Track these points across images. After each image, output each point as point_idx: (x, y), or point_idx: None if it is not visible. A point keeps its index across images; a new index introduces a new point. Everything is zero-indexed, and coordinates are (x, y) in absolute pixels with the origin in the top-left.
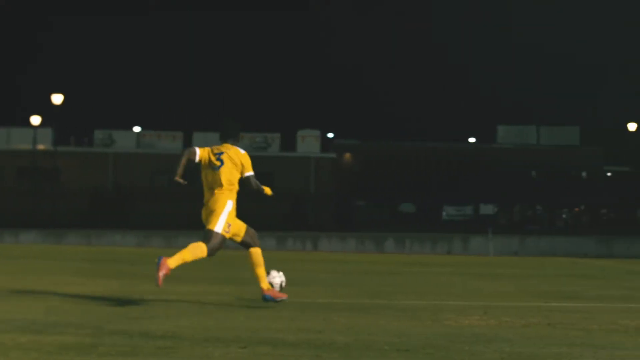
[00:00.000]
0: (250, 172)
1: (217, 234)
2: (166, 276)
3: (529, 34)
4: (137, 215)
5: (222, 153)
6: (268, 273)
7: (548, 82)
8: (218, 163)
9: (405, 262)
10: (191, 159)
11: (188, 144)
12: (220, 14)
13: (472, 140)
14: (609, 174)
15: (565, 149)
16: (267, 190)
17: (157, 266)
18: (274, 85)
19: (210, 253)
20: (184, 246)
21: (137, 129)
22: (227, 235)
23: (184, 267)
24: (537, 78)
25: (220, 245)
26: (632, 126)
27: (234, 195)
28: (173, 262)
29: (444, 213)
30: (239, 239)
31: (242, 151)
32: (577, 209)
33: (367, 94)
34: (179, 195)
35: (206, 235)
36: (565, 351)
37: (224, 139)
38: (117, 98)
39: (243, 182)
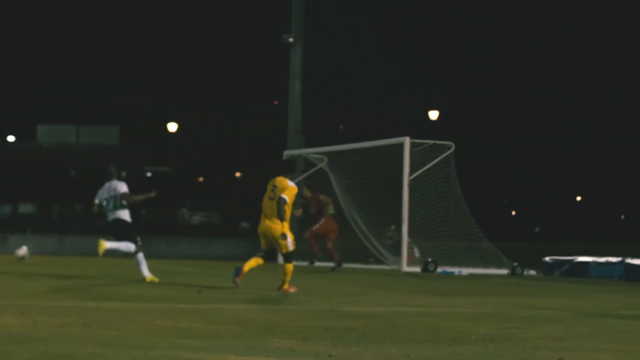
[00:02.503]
0: (283, 195)
1: (292, 251)
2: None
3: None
4: None
5: (275, 187)
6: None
7: (87, 81)
8: (272, 195)
9: None
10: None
11: None
12: None
13: (11, 138)
14: (149, 174)
15: (105, 148)
16: (287, 228)
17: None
18: None
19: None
20: None
21: None
22: (294, 247)
23: None
24: (73, 76)
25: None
26: (172, 126)
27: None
28: (286, 285)
29: None
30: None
31: (291, 183)
32: None
33: None
34: None
35: (286, 256)
36: (100, 351)
37: (282, 173)
38: None
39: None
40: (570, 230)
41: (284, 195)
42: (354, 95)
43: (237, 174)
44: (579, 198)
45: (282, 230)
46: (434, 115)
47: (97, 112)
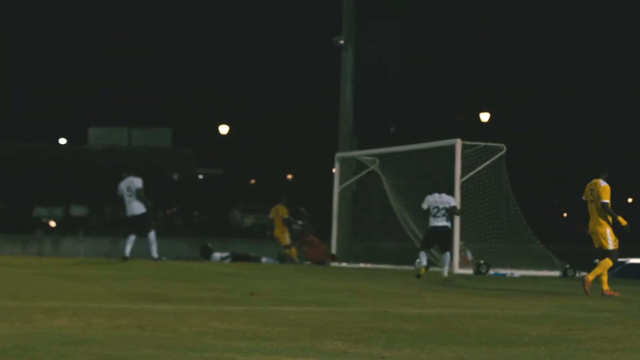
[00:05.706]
0: (603, 200)
1: (612, 250)
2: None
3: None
4: None
5: (592, 190)
6: None
7: (139, 84)
8: (591, 198)
9: None
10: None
11: None
12: None
13: (62, 141)
14: (200, 176)
15: (157, 150)
16: (623, 221)
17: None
18: None
19: (615, 261)
20: None
21: None
22: (616, 245)
23: None
24: (124, 79)
25: (617, 255)
26: (223, 129)
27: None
28: (606, 285)
29: (34, 213)
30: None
31: (603, 184)
32: (169, 211)
33: None
34: None
35: (606, 253)
36: (154, 353)
37: (596, 175)
38: None
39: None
40: (621, 232)
41: (604, 200)
42: (405, 97)
43: (289, 176)
44: (630, 200)
45: (605, 230)
46: (485, 117)
47: (149, 115)
